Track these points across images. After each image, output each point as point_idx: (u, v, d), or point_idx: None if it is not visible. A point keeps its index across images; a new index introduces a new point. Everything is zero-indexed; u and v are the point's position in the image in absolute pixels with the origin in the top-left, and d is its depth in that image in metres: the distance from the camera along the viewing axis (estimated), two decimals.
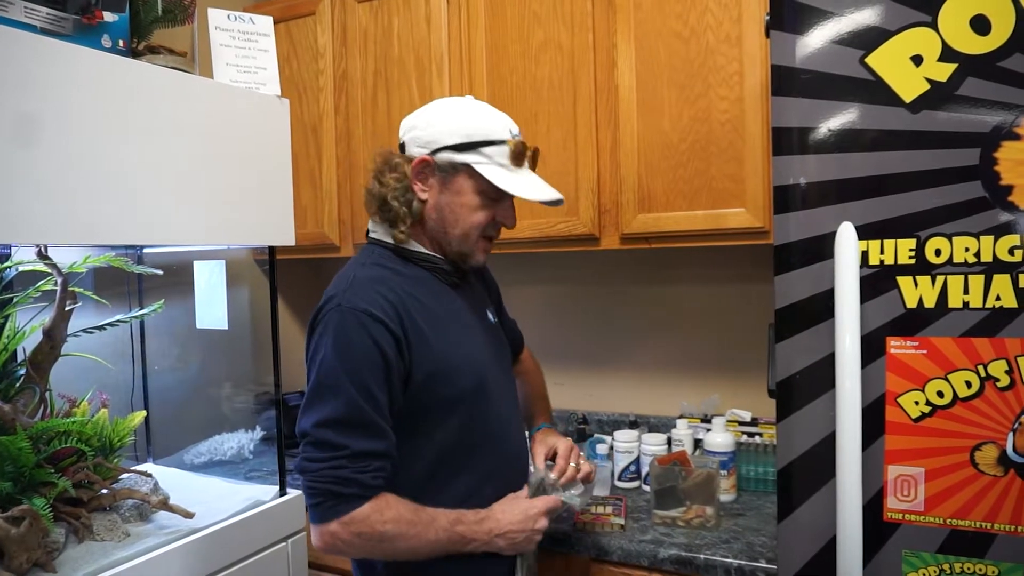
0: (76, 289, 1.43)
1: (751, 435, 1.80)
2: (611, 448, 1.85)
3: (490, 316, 1.35)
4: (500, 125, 1.19)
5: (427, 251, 1.23)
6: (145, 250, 1.70)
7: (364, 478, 1.07)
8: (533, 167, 1.23)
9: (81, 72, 1.19)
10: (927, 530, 1.05)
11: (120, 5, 1.29)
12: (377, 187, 1.20)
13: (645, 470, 1.78)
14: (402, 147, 1.22)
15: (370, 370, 1.08)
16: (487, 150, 1.16)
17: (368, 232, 1.27)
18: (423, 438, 1.16)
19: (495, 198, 1.19)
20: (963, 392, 1.03)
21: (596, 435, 1.97)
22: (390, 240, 1.22)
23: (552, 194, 1.21)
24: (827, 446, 1.08)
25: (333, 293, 1.13)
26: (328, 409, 1.07)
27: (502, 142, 1.17)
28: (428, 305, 1.17)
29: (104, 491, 1.35)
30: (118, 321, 1.55)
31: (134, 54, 1.36)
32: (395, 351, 1.10)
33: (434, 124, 1.18)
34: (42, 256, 1.35)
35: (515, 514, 1.18)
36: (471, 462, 1.19)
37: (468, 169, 1.16)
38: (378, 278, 1.16)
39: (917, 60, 1.03)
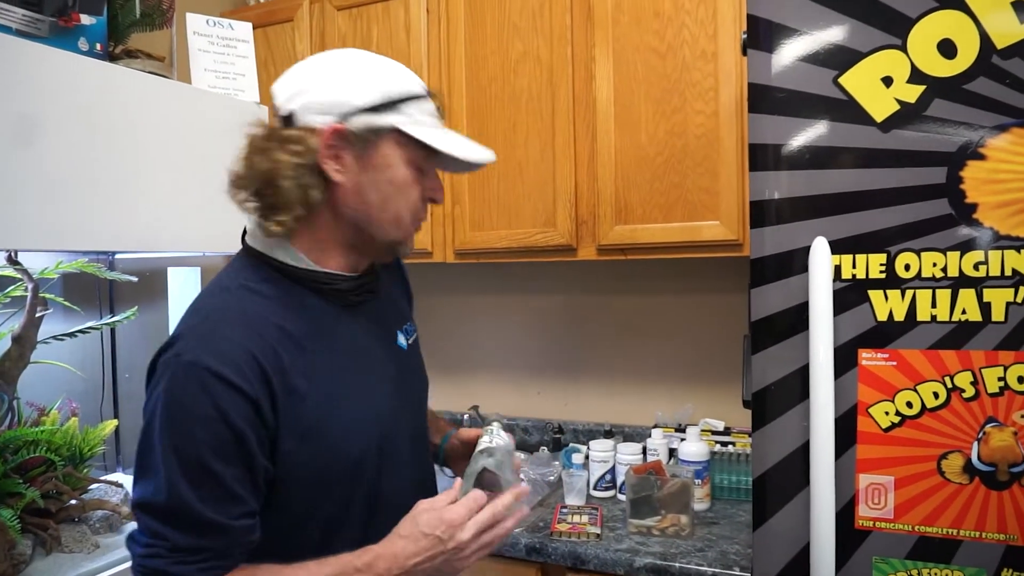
0: (47, 295, 1.40)
1: (724, 444, 1.83)
2: (587, 457, 1.86)
3: (401, 339, 1.08)
4: (413, 78, 0.95)
5: (314, 266, 0.94)
6: (117, 255, 1.67)
7: (186, 571, 0.84)
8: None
9: (57, 75, 1.17)
10: (896, 537, 1.08)
11: (98, 8, 1.28)
12: (262, 163, 0.89)
13: (620, 479, 1.80)
14: (288, 119, 0.92)
15: (210, 445, 0.84)
16: (410, 108, 0.92)
17: (244, 236, 0.98)
18: (302, 512, 0.93)
19: (423, 169, 0.96)
20: (931, 403, 1.06)
21: (572, 444, 1.98)
22: (261, 248, 0.95)
23: (488, 153, 0.99)
24: (801, 456, 1.11)
25: (178, 333, 0.89)
26: (149, 490, 0.85)
27: (424, 96, 0.94)
28: (307, 346, 0.91)
29: (73, 502, 1.32)
30: (89, 328, 1.52)
31: (111, 58, 1.35)
32: (251, 420, 0.85)
33: (335, 83, 0.90)
34: (12, 261, 1.32)
35: (416, 537, 0.89)
36: (365, 539, 0.93)
37: (395, 134, 0.91)
38: (239, 313, 0.89)
39: (887, 81, 1.07)
